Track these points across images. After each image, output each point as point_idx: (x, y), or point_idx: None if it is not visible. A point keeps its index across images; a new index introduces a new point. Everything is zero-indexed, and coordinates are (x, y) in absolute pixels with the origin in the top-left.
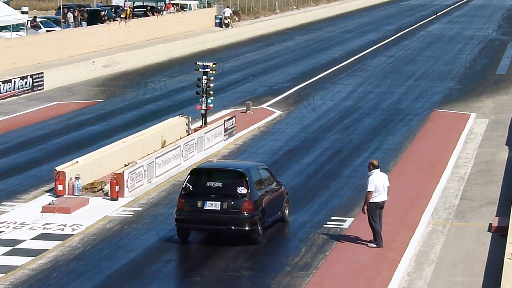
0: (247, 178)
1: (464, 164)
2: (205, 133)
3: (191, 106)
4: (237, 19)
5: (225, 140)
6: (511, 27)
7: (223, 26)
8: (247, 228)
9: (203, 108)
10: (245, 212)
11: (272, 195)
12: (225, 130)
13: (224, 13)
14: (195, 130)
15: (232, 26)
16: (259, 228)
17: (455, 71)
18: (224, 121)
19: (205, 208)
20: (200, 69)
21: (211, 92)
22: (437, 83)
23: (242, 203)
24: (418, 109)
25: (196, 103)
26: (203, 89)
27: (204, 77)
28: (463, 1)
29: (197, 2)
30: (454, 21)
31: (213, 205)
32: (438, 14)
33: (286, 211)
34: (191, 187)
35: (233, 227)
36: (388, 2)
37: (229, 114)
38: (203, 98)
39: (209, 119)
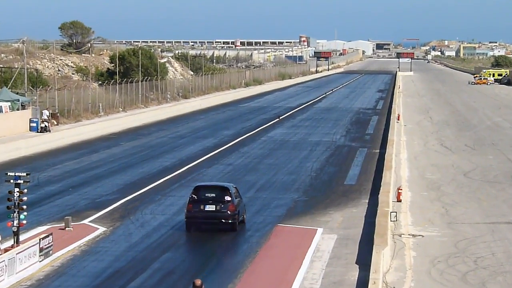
0: (230, 191)
1: (310, 286)
2: (17, 253)
3: (1, 223)
4: (56, 123)
5: (40, 261)
6: (360, 132)
7: (39, 131)
8: (230, 221)
9: (14, 225)
10: (229, 211)
11: (240, 203)
12: (41, 250)
13: (41, 115)
14: (5, 250)
15: (50, 131)
16: (237, 221)
17: (300, 181)
18: (40, 239)
19: (205, 209)
20: (12, 181)
21: (24, 207)
22: (280, 195)
23: (228, 206)
24: (259, 224)
25: (7, 220)
26: (14, 203)
27: (16, 189)
28: (307, 104)
29: (9, 103)
30: (298, 125)
31: (210, 207)
32: (280, 118)
33: (245, 216)
34: (195, 197)
35: (223, 220)
36: (225, 104)
37: (46, 232)
38: (15, 214)
39: (22, 237)
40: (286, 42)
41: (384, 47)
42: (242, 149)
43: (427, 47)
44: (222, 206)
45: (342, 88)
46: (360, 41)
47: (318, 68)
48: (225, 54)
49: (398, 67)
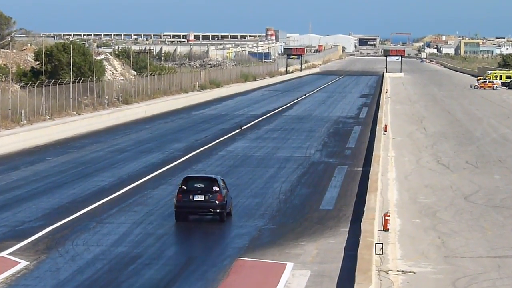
0: (218, 182)
1: None
2: None
3: None
4: None
5: None
6: (340, 146)
7: None
8: (218, 211)
9: None
10: (217, 201)
11: (227, 194)
12: None
13: None
14: None
15: None
16: (225, 211)
17: (266, 206)
18: None
19: (194, 199)
20: None
21: None
22: (241, 222)
23: (216, 196)
24: (216, 258)
25: None
26: None
27: None
28: (275, 111)
29: None
30: (264, 137)
31: (199, 197)
32: (242, 128)
33: (231, 208)
34: (184, 187)
35: (211, 210)
36: (176, 111)
37: None
38: None
39: None
40: (250, 36)
41: (369, 42)
42: (196, 166)
43: (421, 43)
44: (211, 196)
45: (318, 92)
46: (339, 36)
47: (288, 68)
48: (175, 50)
49: (386, 67)
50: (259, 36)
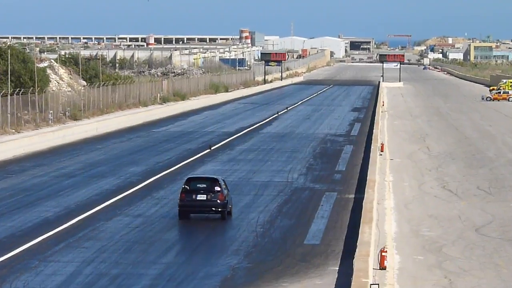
0: (219, 182)
1: None
2: None
3: None
4: None
5: None
6: (328, 169)
7: None
8: (220, 209)
9: None
10: (219, 200)
11: (228, 194)
12: None
13: None
14: None
15: None
16: (226, 210)
17: (240, 240)
18: None
19: (197, 198)
20: None
21: None
22: (212, 260)
23: (218, 195)
24: None
25: None
26: None
27: None
28: (251, 128)
29: None
30: (238, 158)
31: (201, 197)
32: (212, 148)
33: (232, 208)
34: (188, 187)
35: (213, 209)
36: (133, 128)
37: None
38: None
39: None
40: (221, 39)
41: (362, 46)
42: (157, 193)
43: (423, 47)
44: (213, 195)
45: (302, 105)
46: (327, 38)
47: (267, 77)
48: (132, 56)
49: (382, 76)
50: (231, 39)
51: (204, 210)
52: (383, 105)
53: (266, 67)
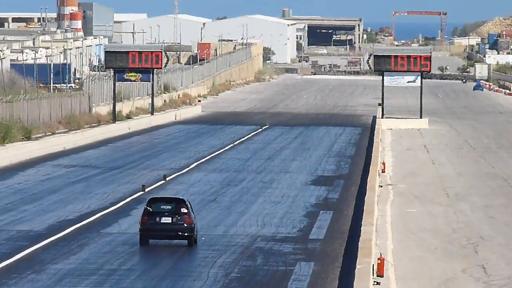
0: (186, 203)
1: None
2: None
3: None
4: None
5: None
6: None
7: None
8: (187, 234)
9: None
10: (186, 224)
11: (195, 218)
12: None
13: None
14: None
15: None
16: (193, 235)
17: None
18: None
19: (161, 221)
20: None
21: None
22: None
23: (185, 218)
24: None
25: None
26: None
27: None
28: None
29: None
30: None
31: (166, 219)
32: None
33: (197, 234)
34: (150, 209)
35: (179, 233)
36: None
37: None
38: None
39: None
40: (15, 20)
41: (336, 37)
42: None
43: (475, 38)
44: (179, 218)
45: (197, 171)
46: (256, 18)
47: (120, 105)
48: None
49: (381, 104)
50: (42, 20)
51: (169, 234)
52: (383, 172)
53: (117, 83)
